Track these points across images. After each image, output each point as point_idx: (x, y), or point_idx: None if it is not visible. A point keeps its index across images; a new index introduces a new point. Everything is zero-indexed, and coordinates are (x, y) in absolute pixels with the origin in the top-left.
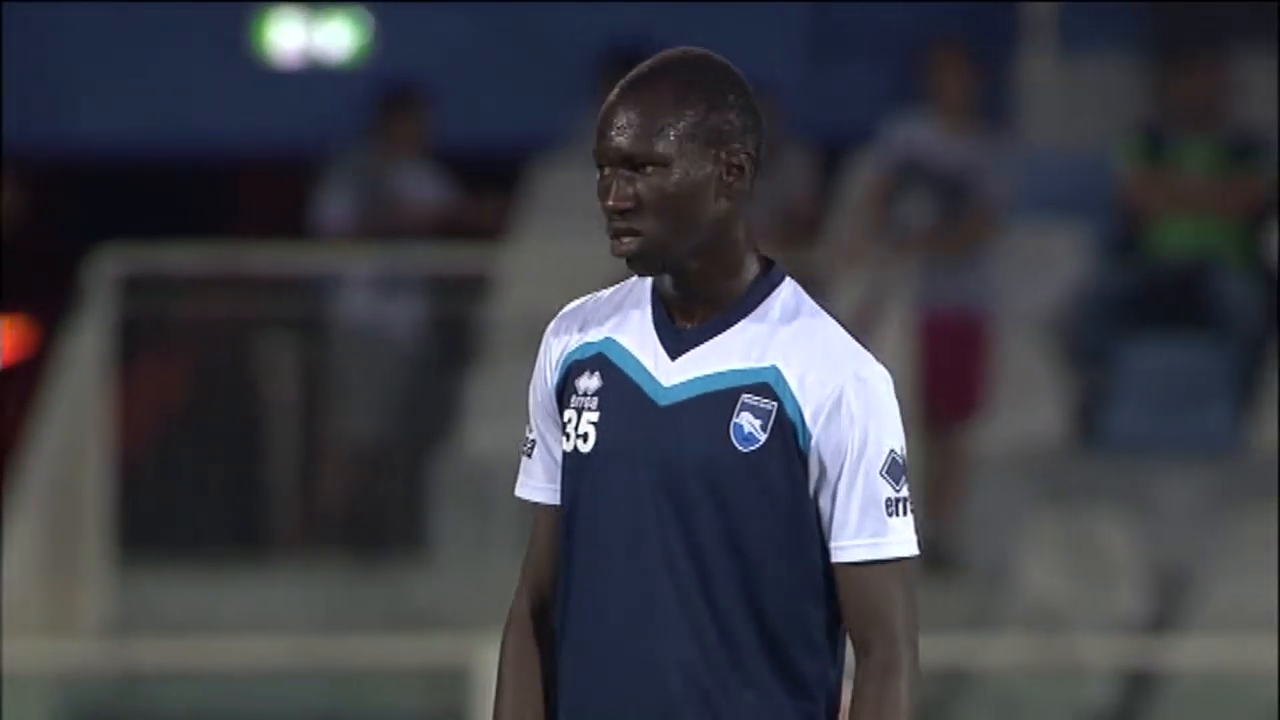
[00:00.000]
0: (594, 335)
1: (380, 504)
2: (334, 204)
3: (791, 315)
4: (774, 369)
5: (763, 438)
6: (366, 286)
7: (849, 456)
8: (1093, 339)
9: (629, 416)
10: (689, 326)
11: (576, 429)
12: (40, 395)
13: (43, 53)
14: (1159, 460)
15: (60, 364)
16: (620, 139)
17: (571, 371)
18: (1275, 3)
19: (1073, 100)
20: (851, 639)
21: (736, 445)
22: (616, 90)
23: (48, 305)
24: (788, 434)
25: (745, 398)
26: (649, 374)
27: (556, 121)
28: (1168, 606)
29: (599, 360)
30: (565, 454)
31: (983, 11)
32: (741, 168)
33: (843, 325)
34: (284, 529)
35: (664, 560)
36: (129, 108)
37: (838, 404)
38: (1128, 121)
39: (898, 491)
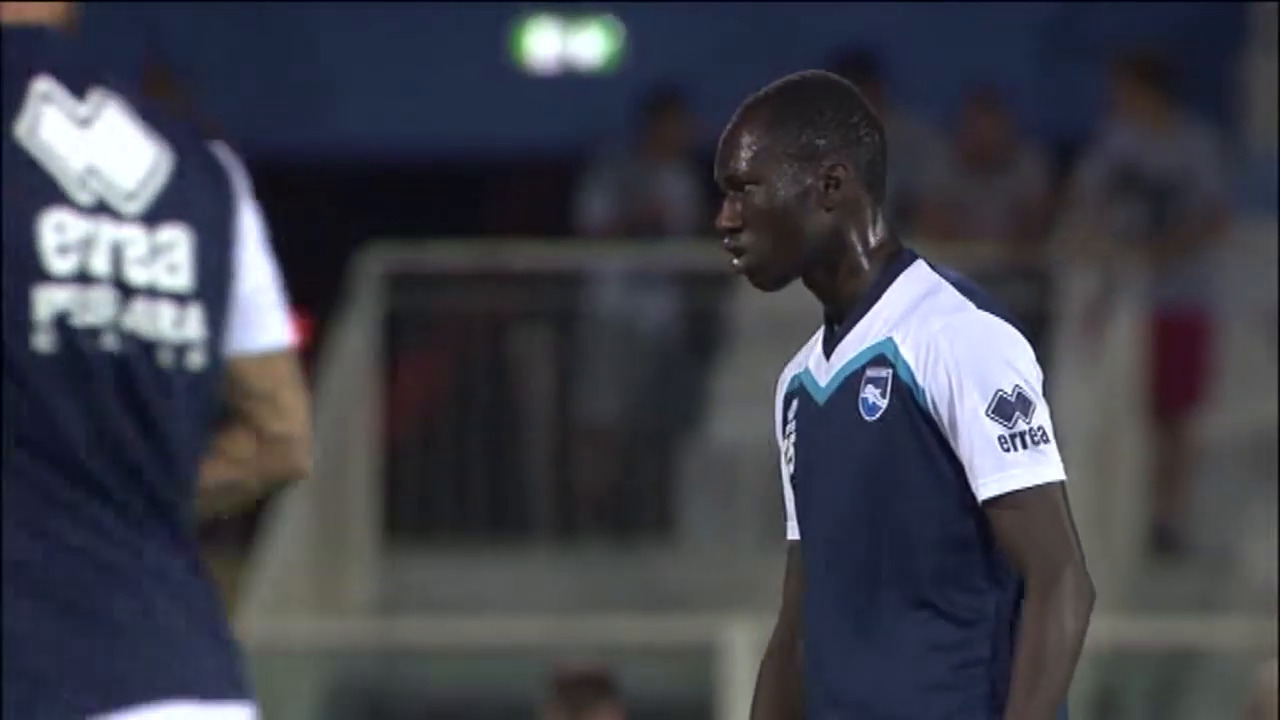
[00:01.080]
0: (800, 367)
1: (631, 490)
2: (596, 203)
3: (913, 291)
4: (889, 340)
5: (883, 404)
6: (620, 281)
7: (955, 404)
8: None
9: (807, 427)
10: (838, 329)
11: (787, 456)
12: (310, 386)
13: (313, 59)
14: None
15: (330, 356)
16: (724, 163)
17: (786, 404)
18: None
19: None
20: (1020, 574)
21: (864, 416)
22: (733, 119)
23: (318, 301)
24: (905, 396)
25: (868, 372)
26: (816, 381)
27: None
28: None
29: (798, 388)
30: (790, 479)
31: (1210, 11)
32: (837, 180)
33: (969, 287)
34: (540, 513)
35: (853, 547)
36: (395, 112)
37: (935, 357)
38: None
39: (1010, 427)
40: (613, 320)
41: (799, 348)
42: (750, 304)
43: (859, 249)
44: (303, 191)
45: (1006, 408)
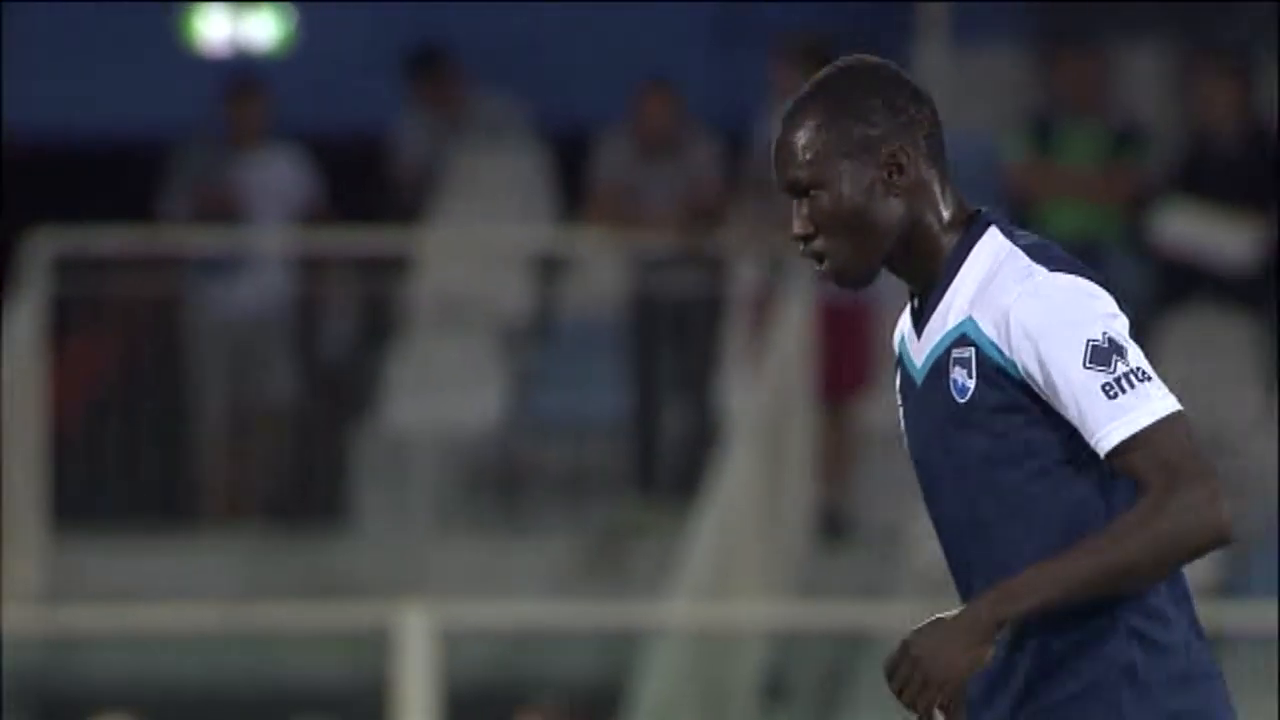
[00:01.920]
0: (899, 335)
1: (304, 477)
2: (175, 190)
3: (987, 264)
4: (969, 319)
5: (972, 384)
6: (287, 268)
7: (1050, 367)
8: None
9: (913, 408)
10: (924, 307)
11: (901, 429)
12: None
13: None
14: None
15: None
16: (783, 171)
17: (894, 371)
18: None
19: (963, 91)
20: None
21: (957, 399)
22: (779, 120)
23: None
24: (993, 373)
25: (955, 353)
26: (912, 359)
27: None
28: None
29: (899, 361)
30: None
31: (879, 7)
32: (900, 165)
33: (1041, 249)
34: (210, 500)
35: (977, 523)
36: (65, 96)
37: (1014, 327)
38: (1015, 112)
39: (1111, 372)
40: (280, 306)
41: (471, 332)
42: (422, 290)
43: (935, 227)
44: None
45: (1101, 355)
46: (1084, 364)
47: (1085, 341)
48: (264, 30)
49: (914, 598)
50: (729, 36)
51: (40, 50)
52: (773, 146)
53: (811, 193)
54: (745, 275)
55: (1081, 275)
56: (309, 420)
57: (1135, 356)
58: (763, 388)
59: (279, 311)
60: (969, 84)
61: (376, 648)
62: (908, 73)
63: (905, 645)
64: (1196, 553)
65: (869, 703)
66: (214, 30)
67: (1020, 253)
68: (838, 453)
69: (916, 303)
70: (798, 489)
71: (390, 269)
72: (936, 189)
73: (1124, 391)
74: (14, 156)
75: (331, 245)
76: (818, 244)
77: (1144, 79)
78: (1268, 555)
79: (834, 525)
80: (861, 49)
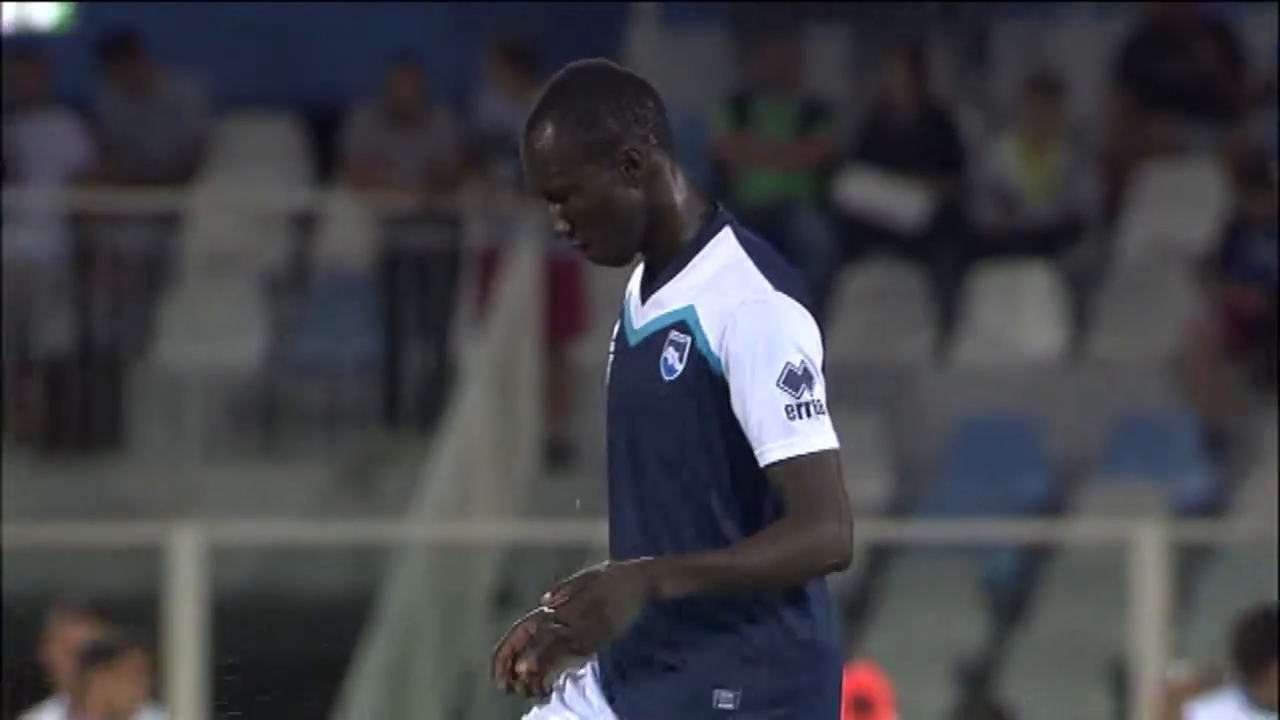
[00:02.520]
0: (628, 291)
1: (85, 410)
2: None
3: (720, 263)
4: (691, 309)
5: (680, 368)
6: (64, 223)
7: (748, 374)
8: None
9: (619, 358)
10: (656, 278)
11: (605, 376)
12: None
13: None
14: None
15: None
16: (537, 181)
17: (617, 322)
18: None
19: (672, 71)
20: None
21: (663, 376)
22: (522, 132)
23: None
24: (700, 363)
25: (671, 334)
26: (631, 318)
27: (249, 83)
28: None
29: (621, 314)
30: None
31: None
32: (635, 161)
33: (766, 257)
34: None
35: (630, 474)
36: None
37: (732, 330)
38: (719, 88)
39: (797, 398)
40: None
41: (237, 286)
42: (193, 244)
43: (672, 208)
44: None
45: (795, 380)
46: (777, 383)
47: (785, 364)
48: (47, 12)
49: None
50: (464, 21)
51: None
52: (523, 156)
53: (562, 197)
54: (478, 232)
55: (801, 301)
56: (90, 359)
57: (819, 391)
58: (494, 332)
59: (55, 261)
60: (677, 65)
61: (152, 563)
62: (625, 63)
63: (588, 577)
64: (819, 573)
65: None
66: (4, 14)
67: (751, 264)
68: (561, 389)
69: (647, 271)
70: (526, 421)
71: (163, 225)
72: (668, 174)
73: (801, 418)
74: None
75: (108, 203)
76: (578, 238)
77: (831, 61)
78: (936, 479)
79: (557, 453)
80: (579, 33)
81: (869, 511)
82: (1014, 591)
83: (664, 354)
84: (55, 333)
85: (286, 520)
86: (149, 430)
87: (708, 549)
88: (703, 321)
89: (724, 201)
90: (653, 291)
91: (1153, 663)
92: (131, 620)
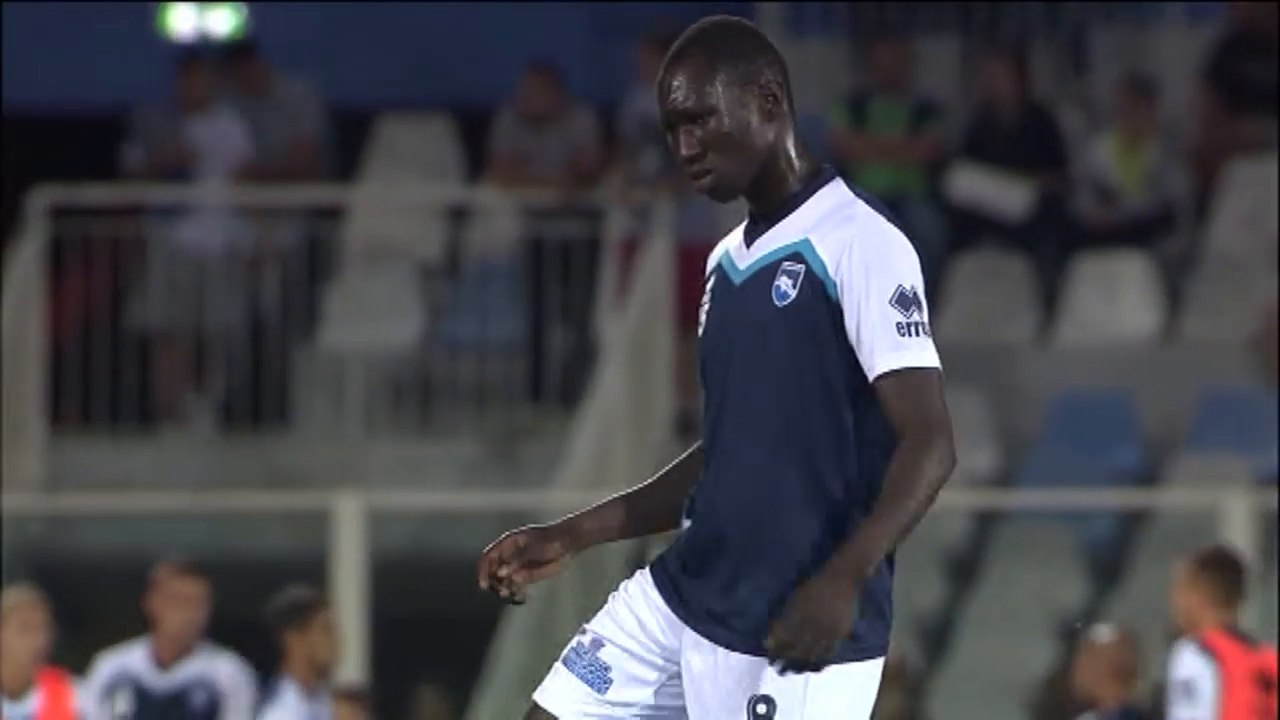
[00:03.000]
0: (722, 249)
1: (257, 388)
2: (130, 150)
3: (832, 204)
4: (805, 240)
5: (794, 294)
6: (234, 214)
7: (862, 293)
8: None
9: (720, 299)
10: (761, 225)
11: (700, 321)
12: None
13: None
14: None
15: (6, 276)
16: (677, 100)
17: (708, 281)
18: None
19: (794, 73)
20: (898, 436)
21: (775, 302)
22: (664, 64)
23: None
24: (816, 288)
25: (784, 265)
26: (735, 264)
27: (406, 88)
28: None
29: (717, 267)
30: (699, 341)
31: (724, 4)
32: (775, 96)
33: (877, 202)
34: (180, 406)
35: (743, 407)
36: (63, 76)
37: (849, 254)
38: (838, 91)
39: (908, 317)
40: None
41: (394, 274)
42: (354, 236)
43: (789, 157)
44: None
45: (905, 301)
46: (891, 301)
47: (897, 285)
48: (223, 21)
49: None
50: (603, 28)
51: (40, 37)
52: (662, 83)
53: (705, 119)
54: (617, 222)
55: (905, 236)
56: (261, 343)
57: (924, 314)
58: (631, 314)
59: (227, 251)
60: (798, 69)
61: (318, 528)
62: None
63: (794, 619)
64: (935, 493)
65: None
66: (182, 22)
67: (862, 203)
68: (692, 367)
69: (752, 222)
70: (660, 397)
71: (327, 218)
72: (790, 124)
73: (911, 335)
74: (15, 126)
75: (276, 197)
76: (706, 162)
77: (941, 64)
78: (1038, 451)
79: (689, 425)
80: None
81: (976, 481)
82: (1111, 557)
83: (776, 282)
84: (230, 317)
85: (440, 490)
86: (314, 407)
87: (850, 497)
88: (818, 249)
89: None
90: (761, 234)
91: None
92: (302, 580)
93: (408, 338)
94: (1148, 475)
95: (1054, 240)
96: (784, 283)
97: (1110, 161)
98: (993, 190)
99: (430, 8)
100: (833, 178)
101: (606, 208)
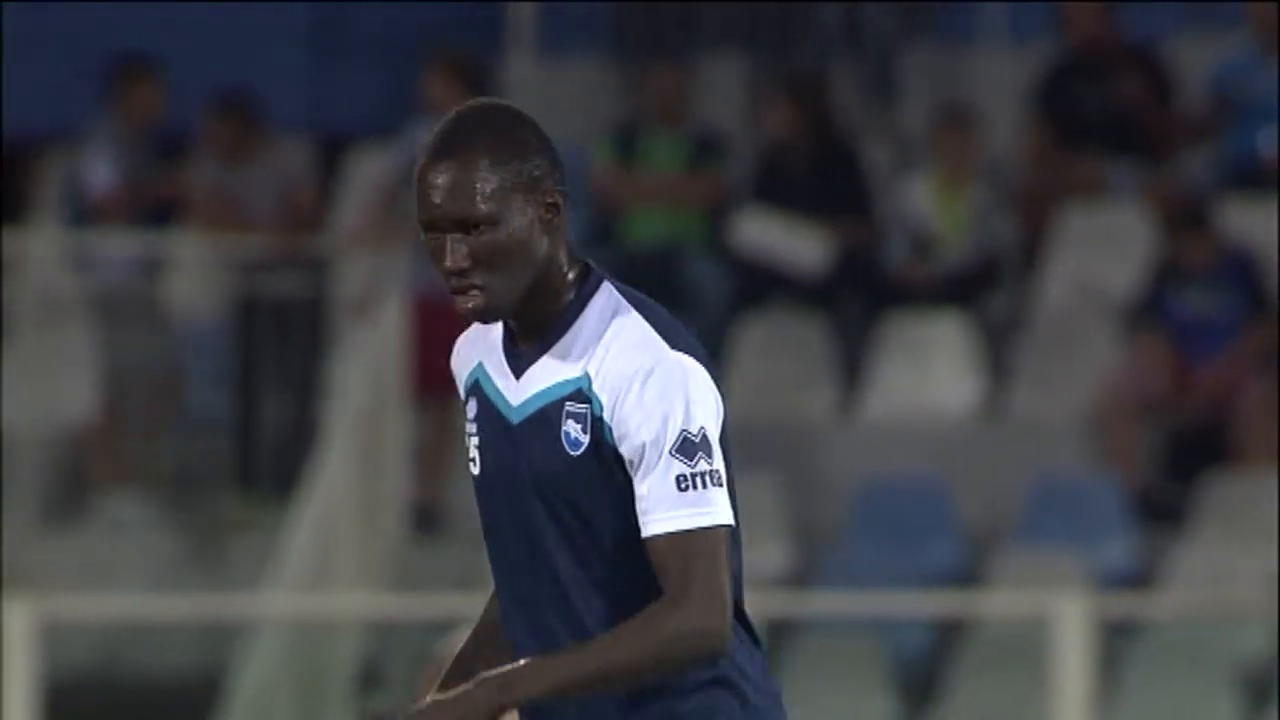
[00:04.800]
0: (473, 362)
1: None
2: None
3: (604, 319)
4: (585, 374)
5: (586, 440)
6: None
7: (643, 440)
8: None
9: (494, 437)
10: (526, 348)
11: (469, 454)
12: None
13: None
14: None
15: None
16: (447, 204)
17: (466, 399)
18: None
19: (550, 101)
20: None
21: (569, 451)
22: (429, 155)
23: None
24: (597, 431)
25: (568, 406)
26: (503, 395)
27: (71, 118)
28: None
29: (475, 387)
30: (473, 479)
31: (468, 14)
32: (556, 205)
33: (654, 313)
34: None
35: (529, 555)
36: None
37: (625, 394)
38: (602, 120)
39: (692, 467)
40: None
41: (71, 333)
42: (24, 291)
43: (561, 269)
44: None
45: (689, 448)
46: (671, 450)
47: (681, 431)
48: None
49: None
50: (324, 43)
51: None
52: (426, 178)
53: (477, 228)
54: (349, 275)
55: (697, 358)
56: None
57: (718, 459)
58: (363, 383)
59: None
60: (556, 94)
61: None
62: (501, 92)
63: (410, 713)
64: (690, 665)
65: None
66: None
67: (642, 320)
68: (434, 448)
69: (510, 338)
70: (393, 484)
71: None
72: (564, 231)
73: (695, 488)
74: None
75: None
76: (474, 278)
77: (723, 91)
78: (839, 547)
79: (428, 520)
80: (455, 62)
81: (766, 582)
82: (924, 670)
83: (564, 428)
84: None
85: (128, 594)
86: None
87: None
88: (595, 386)
89: (608, 244)
90: (531, 361)
91: None
92: None
93: (90, 410)
94: (967, 575)
95: (857, 299)
96: (572, 428)
97: (924, 205)
98: (785, 239)
99: (104, 8)
100: (600, 283)
101: (335, 258)
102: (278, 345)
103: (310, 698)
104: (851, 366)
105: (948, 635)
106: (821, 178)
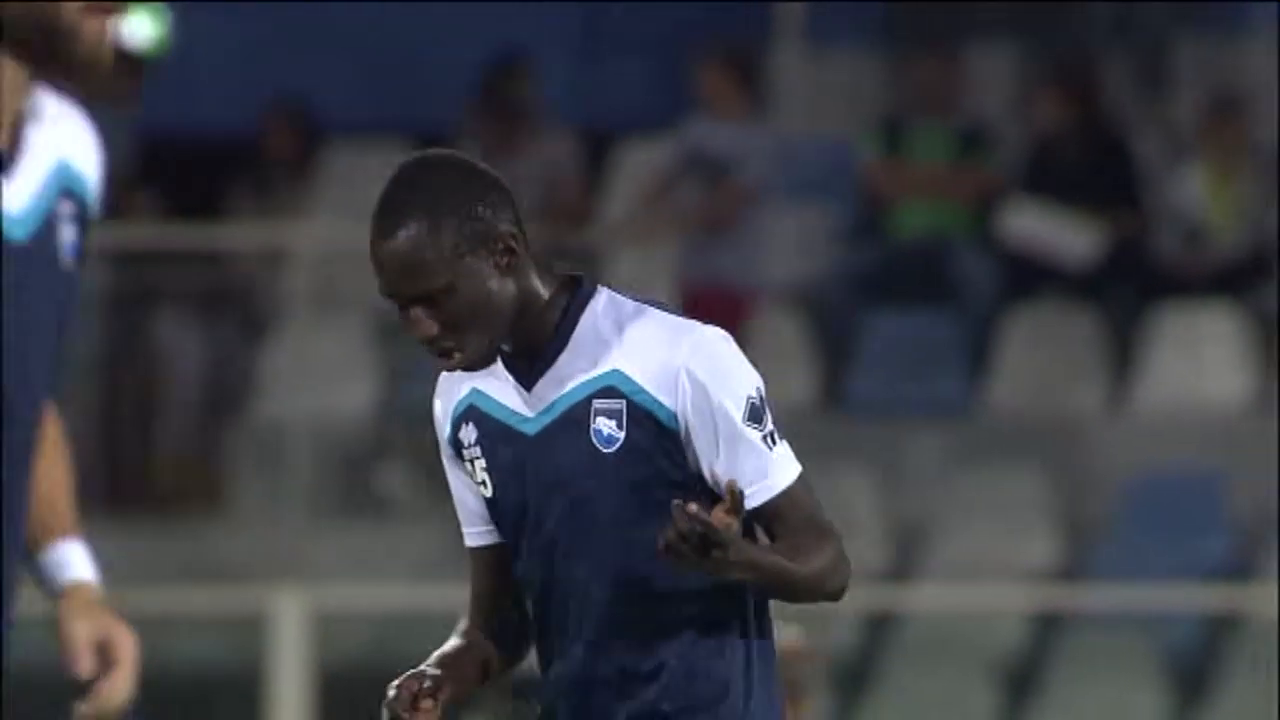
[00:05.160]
0: (463, 391)
1: (181, 465)
2: None
3: (615, 320)
4: (615, 370)
5: (621, 435)
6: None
7: (713, 419)
8: (839, 311)
9: (510, 454)
10: (528, 364)
11: (477, 478)
12: None
13: None
14: (899, 422)
15: None
16: (400, 284)
17: (456, 427)
18: (1002, 1)
19: (818, 93)
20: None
21: (600, 448)
22: (374, 233)
23: None
24: (644, 422)
25: (597, 403)
26: (514, 411)
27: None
28: (905, 557)
29: (471, 411)
30: (485, 500)
31: (737, 7)
32: (511, 248)
33: (663, 306)
34: (93, 486)
35: (580, 569)
36: None
37: (682, 377)
38: (869, 112)
39: (763, 429)
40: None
41: (343, 325)
42: (296, 285)
43: (536, 294)
44: None
45: (756, 412)
46: (743, 420)
47: (745, 398)
48: (142, 29)
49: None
50: (595, 38)
51: None
52: (381, 261)
53: (433, 298)
54: (620, 266)
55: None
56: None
57: (770, 417)
58: None
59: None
60: (823, 86)
61: (252, 632)
62: (768, 86)
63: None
64: (825, 598)
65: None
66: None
67: (660, 312)
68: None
69: (518, 365)
70: None
71: (265, 262)
72: (529, 257)
73: (773, 446)
74: None
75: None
76: (449, 342)
77: (992, 81)
78: (1109, 541)
79: None
80: (726, 56)
81: (1036, 578)
82: (1196, 665)
83: (594, 426)
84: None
85: (397, 584)
86: (248, 488)
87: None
88: (639, 379)
89: (876, 237)
90: (541, 372)
91: None
92: (230, 694)
93: (360, 404)
94: (1240, 569)
95: (1128, 290)
96: (604, 425)
97: (1195, 196)
98: (1054, 231)
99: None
100: (593, 288)
101: (604, 249)
102: None
103: None
104: (1122, 358)
105: (1219, 630)
106: (1092, 168)
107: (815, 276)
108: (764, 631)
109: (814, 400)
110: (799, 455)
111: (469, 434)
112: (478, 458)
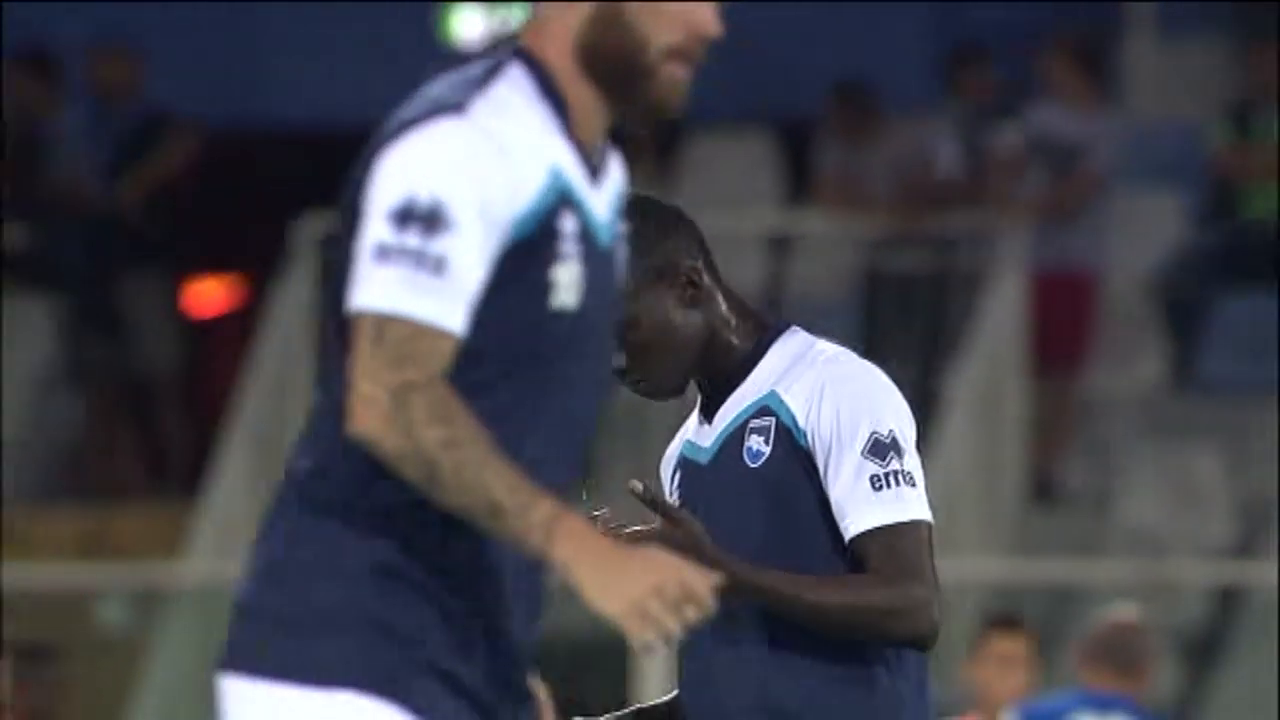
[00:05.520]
0: (676, 445)
1: None
2: None
3: (791, 355)
4: (772, 392)
5: (767, 450)
6: None
7: (834, 444)
8: (1190, 293)
9: (692, 487)
10: (715, 398)
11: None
12: (253, 341)
13: (256, 36)
14: (1248, 401)
15: (271, 314)
16: None
17: (671, 476)
18: None
19: (1171, 80)
20: None
21: (749, 464)
22: None
23: (261, 264)
24: (786, 440)
25: (752, 423)
26: (698, 446)
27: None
28: (1254, 532)
29: (680, 460)
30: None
31: (1090, 7)
32: (694, 282)
33: (850, 349)
34: None
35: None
36: (331, 87)
37: (819, 400)
38: (1219, 99)
39: (884, 466)
40: None
41: None
42: None
43: (727, 326)
44: (247, 162)
45: (881, 449)
46: (864, 451)
47: (871, 432)
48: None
49: (1121, 556)
50: (945, 31)
51: (306, 43)
52: None
53: (621, 332)
54: (963, 252)
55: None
56: None
57: (910, 460)
58: (981, 357)
59: None
60: (1174, 75)
61: None
62: (1119, 75)
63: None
64: (894, 638)
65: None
66: (468, 26)
67: (827, 343)
68: (1052, 420)
69: (705, 398)
70: (1011, 453)
71: None
72: (720, 293)
73: (888, 486)
74: (276, 145)
75: None
76: (636, 373)
77: None
78: None
79: (1045, 489)
80: (1075, 46)
81: (1214, 553)
82: None
83: (747, 444)
84: None
85: None
86: None
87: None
88: (786, 398)
89: (1226, 220)
90: (719, 404)
91: None
92: None
93: None
94: None
95: None
96: (755, 441)
97: None
98: None
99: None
100: (787, 329)
101: (957, 237)
102: (902, 321)
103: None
104: None
105: None
106: None
107: (1166, 260)
108: (906, 670)
109: (1164, 381)
110: (1149, 434)
111: (675, 482)
112: (673, 494)
